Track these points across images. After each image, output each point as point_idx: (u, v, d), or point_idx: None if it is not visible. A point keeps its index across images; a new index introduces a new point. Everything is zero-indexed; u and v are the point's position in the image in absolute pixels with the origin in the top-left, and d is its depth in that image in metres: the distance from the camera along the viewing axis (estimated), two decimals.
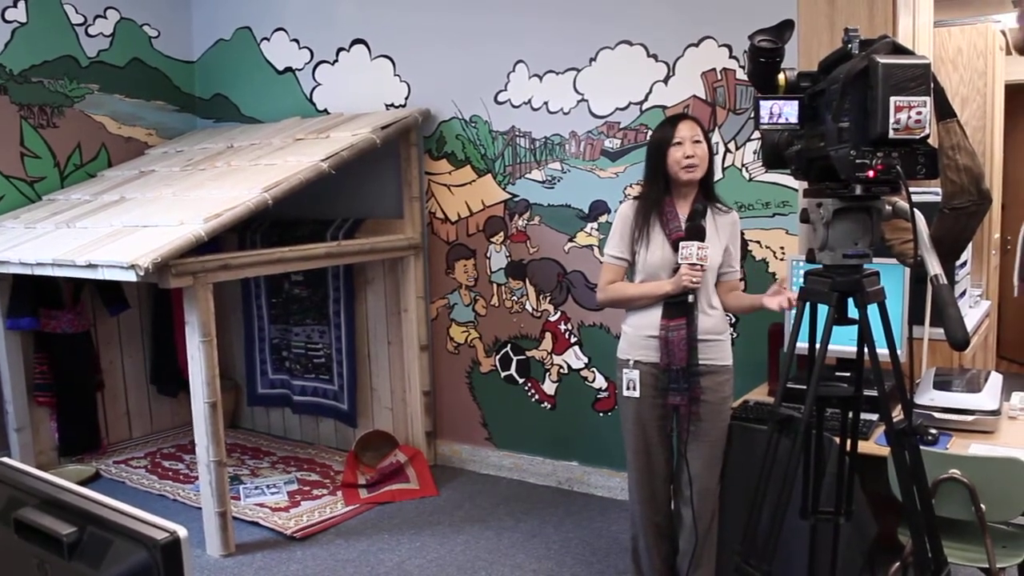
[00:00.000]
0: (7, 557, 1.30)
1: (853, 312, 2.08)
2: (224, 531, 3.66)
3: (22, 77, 4.68)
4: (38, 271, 3.81)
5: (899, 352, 2.23)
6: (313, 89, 4.95)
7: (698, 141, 2.80)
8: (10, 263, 3.89)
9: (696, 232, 2.76)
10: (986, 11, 4.47)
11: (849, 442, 2.29)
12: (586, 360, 4.24)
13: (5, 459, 1.36)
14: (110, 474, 4.66)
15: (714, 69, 3.73)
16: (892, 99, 1.74)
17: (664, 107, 3.85)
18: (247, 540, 3.80)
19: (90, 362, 4.88)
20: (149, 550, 1.10)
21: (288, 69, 5.04)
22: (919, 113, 1.75)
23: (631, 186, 3.93)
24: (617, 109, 4.00)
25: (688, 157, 2.77)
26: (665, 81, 3.86)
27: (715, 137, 3.75)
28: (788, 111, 2.03)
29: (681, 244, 2.74)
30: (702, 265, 2.72)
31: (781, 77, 2.05)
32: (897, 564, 2.59)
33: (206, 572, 3.52)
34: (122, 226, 3.84)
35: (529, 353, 4.41)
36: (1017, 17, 4.29)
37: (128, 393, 5.22)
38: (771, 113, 2.03)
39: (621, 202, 3.49)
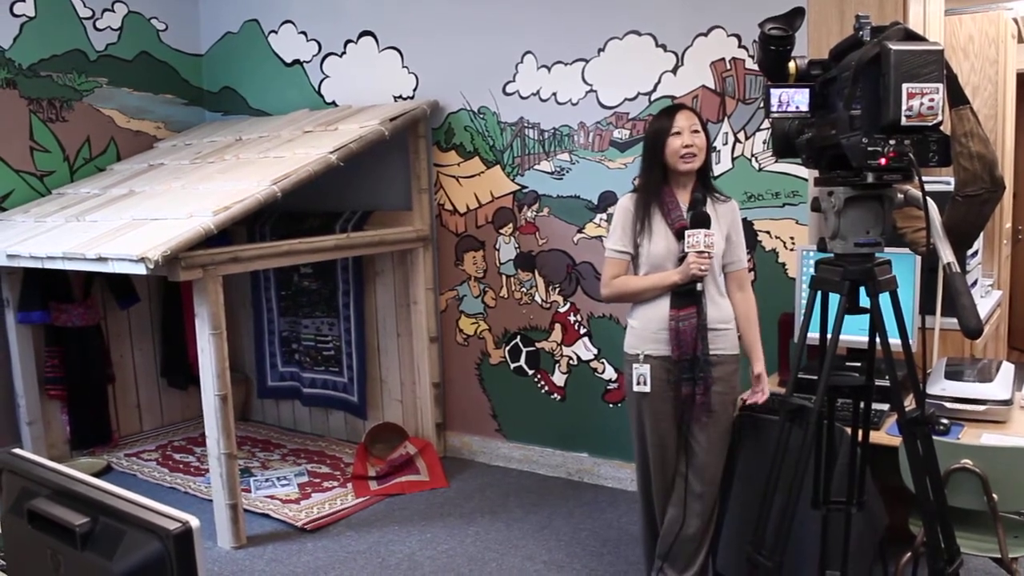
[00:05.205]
0: (21, 547, 1.30)
1: (864, 301, 2.07)
2: (235, 523, 3.68)
3: (31, 71, 4.69)
4: (48, 265, 3.82)
5: (911, 341, 2.22)
6: (321, 81, 4.95)
7: (696, 131, 2.78)
8: (21, 257, 3.91)
9: (701, 220, 2.75)
10: None
11: (861, 432, 2.29)
12: (596, 351, 4.24)
13: (17, 450, 1.36)
14: (121, 467, 4.68)
15: (723, 59, 3.71)
16: (904, 86, 1.73)
17: (673, 97, 3.83)
18: (258, 532, 3.82)
19: (101, 355, 4.89)
20: (162, 540, 1.10)
21: (296, 61, 5.03)
22: (932, 100, 1.74)
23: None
24: (626, 100, 3.98)
25: (687, 147, 2.76)
26: (674, 71, 3.84)
27: (724, 127, 3.74)
28: (799, 99, 2.02)
29: (687, 232, 2.72)
30: (709, 252, 2.71)
31: (792, 65, 2.04)
32: (909, 554, 2.59)
33: (217, 564, 3.54)
34: (132, 219, 3.84)
35: (539, 345, 4.41)
36: None
37: (139, 386, 5.24)
38: (781, 101, 2.02)
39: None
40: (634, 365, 2.85)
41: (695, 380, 2.76)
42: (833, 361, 2.09)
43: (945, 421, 2.68)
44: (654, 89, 3.90)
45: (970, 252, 3.34)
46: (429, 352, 4.60)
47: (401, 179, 4.63)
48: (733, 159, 3.74)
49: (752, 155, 3.71)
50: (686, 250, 2.73)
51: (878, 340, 2.11)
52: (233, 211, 3.60)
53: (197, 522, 1.12)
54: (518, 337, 4.47)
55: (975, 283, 3.54)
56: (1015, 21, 4.55)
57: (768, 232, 3.71)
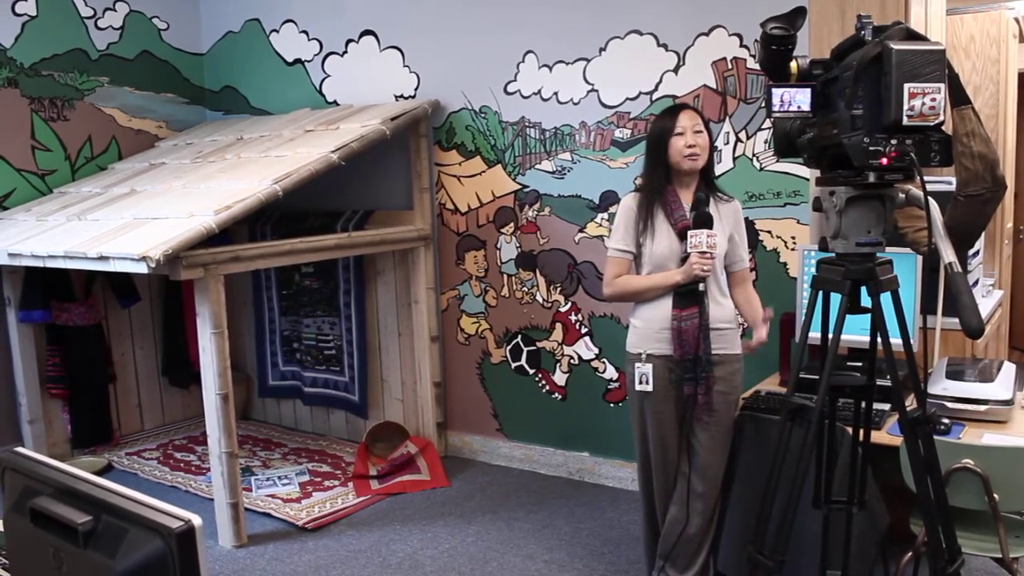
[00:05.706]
0: (23, 546, 1.30)
1: (866, 301, 2.07)
2: (236, 522, 3.68)
3: (32, 70, 4.69)
4: (50, 263, 3.82)
5: (912, 341, 2.22)
6: (322, 80, 4.95)
7: (699, 131, 2.79)
8: (22, 256, 3.91)
9: (704, 220, 2.75)
10: None
11: (862, 432, 2.29)
12: (597, 351, 4.24)
13: (20, 448, 1.36)
14: (122, 466, 4.68)
15: (724, 58, 3.71)
16: (906, 85, 1.73)
17: (674, 96, 3.83)
18: (259, 531, 3.82)
19: (102, 354, 4.90)
20: (164, 539, 1.10)
21: (297, 61, 5.03)
22: (933, 100, 1.74)
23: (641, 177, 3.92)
24: (627, 99, 3.98)
25: (690, 147, 2.76)
26: (675, 71, 3.84)
27: (726, 127, 3.74)
28: (800, 99, 2.02)
29: (690, 232, 2.72)
30: (712, 253, 2.71)
31: (793, 65, 2.04)
32: (910, 554, 2.59)
33: (219, 563, 3.54)
34: (133, 218, 3.85)
35: (540, 344, 4.41)
36: None
37: (140, 385, 5.24)
38: (783, 101, 2.02)
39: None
40: (636, 364, 2.85)
41: (697, 380, 2.77)
42: (834, 361, 2.09)
43: (946, 421, 2.68)
44: (655, 88, 3.90)
45: (971, 252, 3.34)
46: (430, 351, 4.60)
47: (402, 178, 4.63)
48: (734, 159, 3.74)
49: (753, 155, 3.71)
50: (689, 250, 2.73)
51: (879, 340, 2.11)
52: (234, 210, 3.60)
53: (199, 520, 1.12)
54: (519, 336, 4.47)
55: (976, 283, 3.54)
56: (1016, 21, 4.54)
57: (769, 232, 3.71)
